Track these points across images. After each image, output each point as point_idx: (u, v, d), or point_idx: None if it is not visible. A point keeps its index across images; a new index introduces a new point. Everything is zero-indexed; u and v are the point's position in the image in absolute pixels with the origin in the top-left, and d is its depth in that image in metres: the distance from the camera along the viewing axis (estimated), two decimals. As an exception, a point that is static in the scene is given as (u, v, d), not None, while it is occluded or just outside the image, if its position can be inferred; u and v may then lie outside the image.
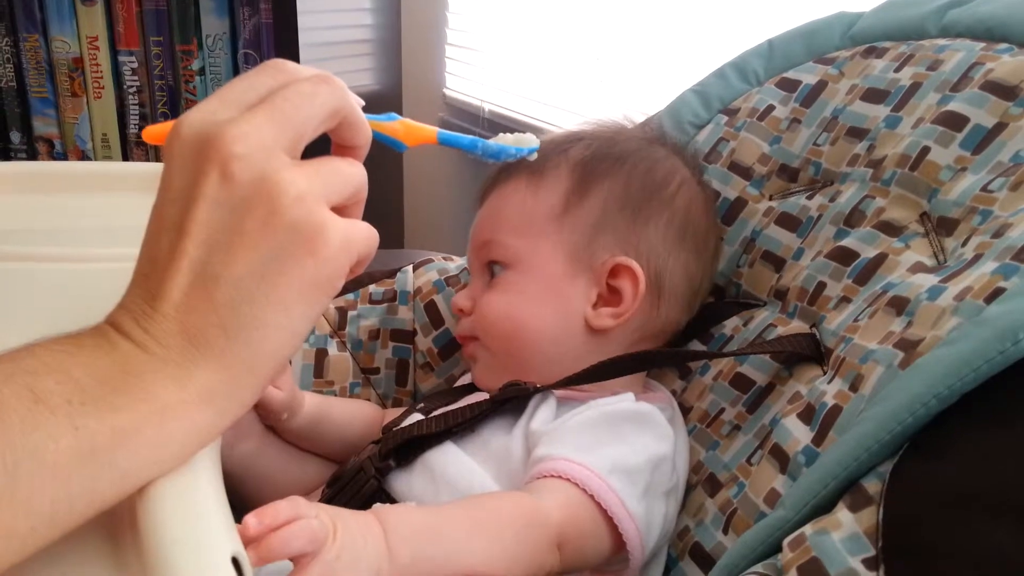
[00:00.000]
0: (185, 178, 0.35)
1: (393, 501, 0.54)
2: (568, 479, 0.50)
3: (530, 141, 0.49)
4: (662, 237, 0.61)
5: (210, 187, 0.34)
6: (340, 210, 0.38)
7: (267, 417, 0.63)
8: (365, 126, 0.39)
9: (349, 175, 0.38)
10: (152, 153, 1.40)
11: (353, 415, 0.69)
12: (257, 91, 0.36)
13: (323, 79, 0.37)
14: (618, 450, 0.52)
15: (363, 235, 0.38)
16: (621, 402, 0.57)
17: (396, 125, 0.43)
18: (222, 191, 0.34)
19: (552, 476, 0.50)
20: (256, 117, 0.35)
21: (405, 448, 0.56)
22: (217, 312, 0.34)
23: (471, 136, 0.46)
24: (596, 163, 0.62)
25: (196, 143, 0.34)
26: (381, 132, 0.42)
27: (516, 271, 0.61)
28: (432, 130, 0.44)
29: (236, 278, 0.34)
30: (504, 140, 0.48)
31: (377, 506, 0.44)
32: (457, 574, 0.44)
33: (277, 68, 0.37)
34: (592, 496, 0.50)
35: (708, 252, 0.64)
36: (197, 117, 0.35)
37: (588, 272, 0.60)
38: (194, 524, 0.34)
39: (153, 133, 0.41)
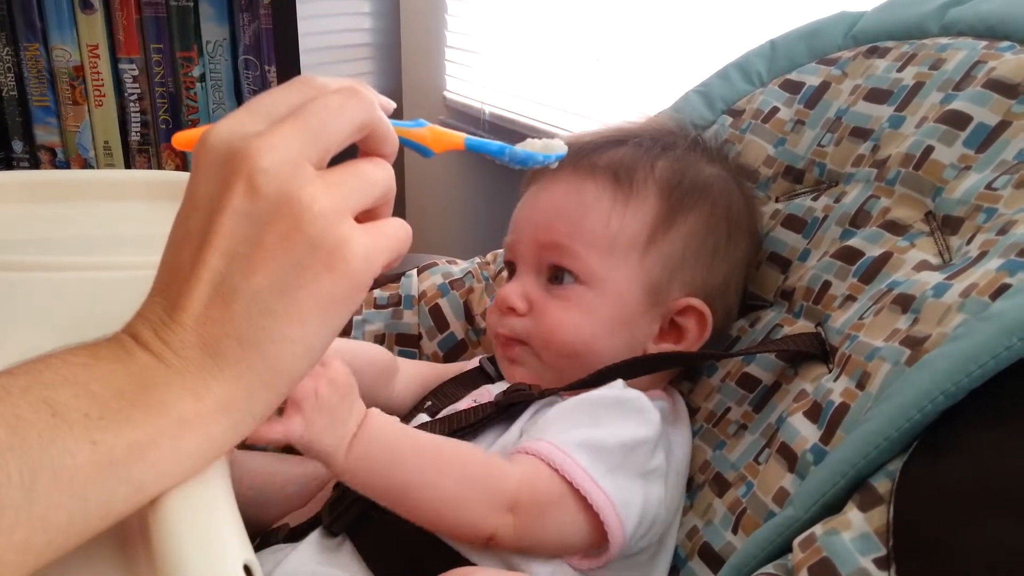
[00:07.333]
0: (211, 188, 0.35)
1: None
2: (534, 454, 0.51)
3: (558, 147, 0.47)
4: (726, 277, 0.62)
5: (236, 198, 0.34)
6: (370, 212, 0.38)
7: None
8: (392, 137, 0.39)
9: (376, 180, 0.38)
10: (155, 160, 1.40)
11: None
12: (286, 104, 0.36)
13: (352, 92, 0.37)
14: (590, 432, 0.52)
15: (389, 242, 0.38)
16: (607, 390, 0.57)
17: (424, 132, 0.43)
18: (247, 203, 0.34)
19: (521, 453, 0.52)
20: (284, 130, 0.35)
21: None
22: (234, 324, 0.34)
23: (499, 142, 0.46)
24: (683, 193, 0.61)
25: (224, 154, 0.34)
26: (408, 139, 0.42)
27: (588, 288, 0.59)
28: (460, 136, 0.44)
29: (255, 291, 0.34)
30: (532, 146, 0.47)
31: (374, 410, 0.49)
32: (395, 491, 0.48)
33: (306, 83, 0.37)
34: (556, 470, 0.50)
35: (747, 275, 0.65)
36: (225, 128, 0.35)
37: (660, 307, 0.60)
38: (206, 532, 0.34)
39: (183, 139, 0.41)
